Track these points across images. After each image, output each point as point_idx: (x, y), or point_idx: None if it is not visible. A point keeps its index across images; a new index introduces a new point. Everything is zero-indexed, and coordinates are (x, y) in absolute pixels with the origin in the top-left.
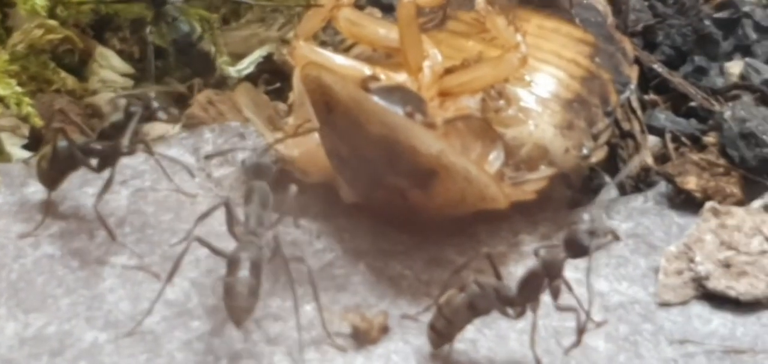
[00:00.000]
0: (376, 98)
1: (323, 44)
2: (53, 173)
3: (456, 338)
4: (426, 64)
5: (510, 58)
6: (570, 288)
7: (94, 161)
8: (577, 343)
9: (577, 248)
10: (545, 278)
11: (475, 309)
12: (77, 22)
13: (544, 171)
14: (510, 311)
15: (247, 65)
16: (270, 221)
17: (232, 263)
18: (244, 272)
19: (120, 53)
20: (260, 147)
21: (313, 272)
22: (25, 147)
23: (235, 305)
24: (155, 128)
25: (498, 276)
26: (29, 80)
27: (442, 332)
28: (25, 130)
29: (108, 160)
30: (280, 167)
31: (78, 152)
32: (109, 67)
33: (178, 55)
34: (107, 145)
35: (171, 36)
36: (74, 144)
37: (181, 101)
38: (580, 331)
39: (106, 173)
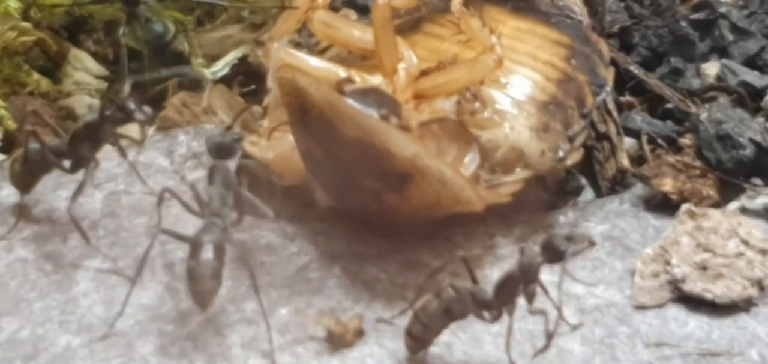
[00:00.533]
0: (350, 101)
1: (298, 46)
2: (26, 176)
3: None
4: (401, 66)
5: (485, 59)
6: (546, 291)
7: (67, 163)
8: (547, 346)
9: (554, 253)
10: (521, 281)
11: (451, 314)
12: (51, 24)
13: (520, 174)
14: (486, 314)
15: (221, 67)
16: (233, 201)
17: (195, 246)
18: (206, 255)
19: (94, 55)
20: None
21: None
22: None
23: (198, 289)
24: (128, 130)
25: (474, 280)
26: (2, 83)
27: (418, 338)
28: None
29: (81, 162)
30: (240, 144)
31: (50, 154)
32: (83, 70)
33: (151, 56)
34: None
35: (145, 37)
36: (46, 146)
37: (156, 103)
38: (550, 335)
39: (80, 175)
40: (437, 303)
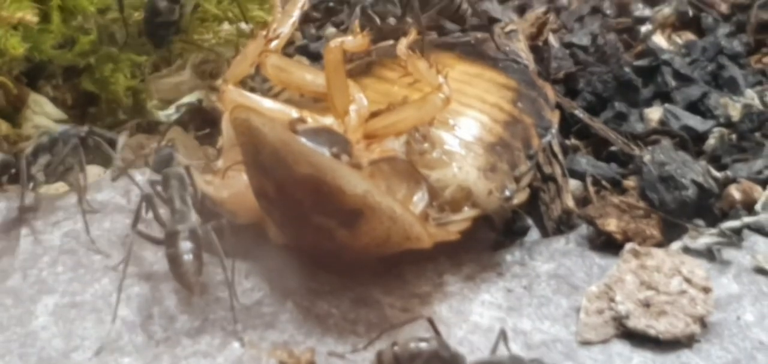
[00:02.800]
0: (303, 139)
1: (252, 90)
2: None
3: None
4: (352, 107)
5: (433, 99)
6: None
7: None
8: None
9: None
10: None
11: None
12: (10, 69)
13: (468, 212)
14: None
15: (175, 110)
16: (192, 197)
17: (170, 236)
18: (184, 242)
19: (53, 100)
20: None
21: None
22: None
23: (183, 272)
24: (91, 171)
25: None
26: None
27: None
28: None
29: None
30: (173, 154)
31: None
32: (43, 114)
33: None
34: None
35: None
36: None
37: (114, 145)
38: None
39: (41, 214)
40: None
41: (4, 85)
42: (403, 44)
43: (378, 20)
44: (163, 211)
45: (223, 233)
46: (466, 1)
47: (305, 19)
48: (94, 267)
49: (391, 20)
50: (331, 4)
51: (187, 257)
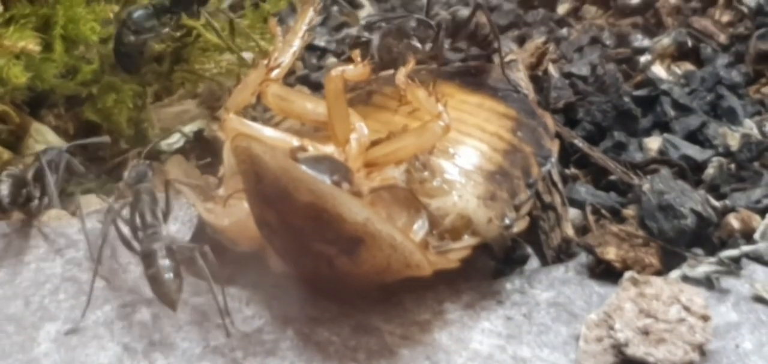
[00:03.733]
0: (304, 167)
1: (253, 119)
2: None
3: None
4: (353, 136)
5: (433, 126)
6: None
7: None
8: None
9: None
10: None
11: None
12: (13, 98)
13: (468, 240)
14: None
15: (177, 139)
16: (163, 212)
17: (147, 255)
18: (162, 260)
19: (55, 129)
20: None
21: None
22: None
23: (165, 290)
24: (88, 201)
25: None
26: None
27: None
28: None
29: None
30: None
31: None
32: (45, 143)
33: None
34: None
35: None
36: None
37: (115, 174)
38: None
39: (45, 240)
40: None
41: (6, 113)
42: (401, 73)
43: (419, 45)
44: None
45: (207, 257)
46: (488, 21)
47: (307, 48)
48: (95, 294)
49: (421, 45)
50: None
51: (168, 276)
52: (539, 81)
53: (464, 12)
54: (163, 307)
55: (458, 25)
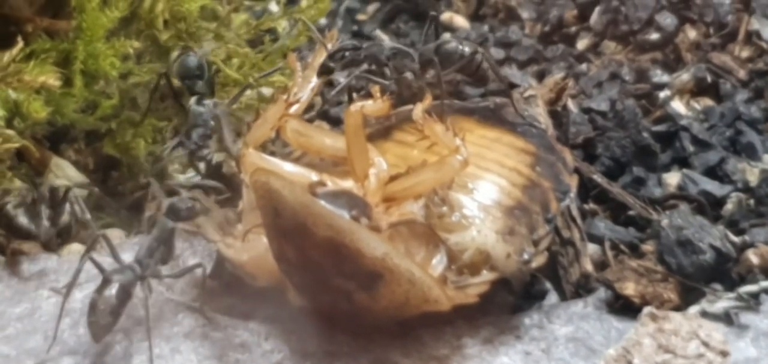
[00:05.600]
0: (322, 202)
1: (272, 154)
2: None
3: None
4: (372, 171)
5: (451, 161)
6: None
7: None
8: None
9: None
10: None
11: None
12: (33, 133)
13: (486, 275)
14: None
15: (195, 174)
16: (163, 256)
17: (104, 281)
18: (110, 292)
19: (75, 164)
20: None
21: None
22: None
23: (94, 320)
24: (109, 235)
25: None
26: None
27: None
28: None
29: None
30: (194, 210)
31: None
32: (65, 177)
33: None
34: None
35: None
36: None
37: (135, 208)
38: None
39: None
40: None
41: (26, 148)
42: (419, 109)
43: (396, 73)
44: None
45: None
46: (487, 61)
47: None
48: (114, 329)
49: (409, 75)
50: (346, 54)
51: (103, 310)
52: (558, 116)
53: (453, 44)
54: (183, 340)
55: (443, 57)
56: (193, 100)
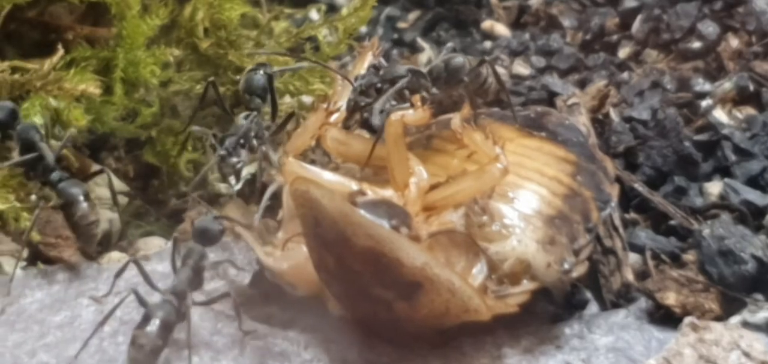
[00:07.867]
0: (362, 212)
1: (312, 163)
2: None
3: None
4: (412, 180)
5: (491, 169)
6: None
7: None
8: None
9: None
10: None
11: None
12: (74, 141)
13: (527, 285)
14: None
15: (237, 182)
16: (198, 284)
17: (145, 317)
18: (151, 328)
19: (115, 172)
20: (210, 214)
21: None
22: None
23: (134, 357)
24: (149, 243)
25: None
26: (27, 197)
27: None
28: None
29: None
30: (224, 231)
31: None
32: (105, 186)
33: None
34: None
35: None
36: None
37: (175, 217)
38: None
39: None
40: None
41: (67, 157)
42: (457, 118)
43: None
44: None
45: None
46: (493, 73)
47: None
48: None
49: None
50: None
51: (145, 346)
52: (600, 125)
53: (459, 59)
54: (223, 350)
55: (451, 73)
56: (242, 114)
